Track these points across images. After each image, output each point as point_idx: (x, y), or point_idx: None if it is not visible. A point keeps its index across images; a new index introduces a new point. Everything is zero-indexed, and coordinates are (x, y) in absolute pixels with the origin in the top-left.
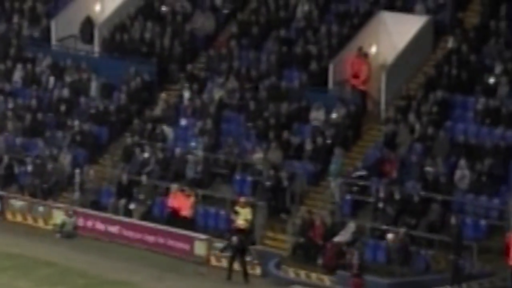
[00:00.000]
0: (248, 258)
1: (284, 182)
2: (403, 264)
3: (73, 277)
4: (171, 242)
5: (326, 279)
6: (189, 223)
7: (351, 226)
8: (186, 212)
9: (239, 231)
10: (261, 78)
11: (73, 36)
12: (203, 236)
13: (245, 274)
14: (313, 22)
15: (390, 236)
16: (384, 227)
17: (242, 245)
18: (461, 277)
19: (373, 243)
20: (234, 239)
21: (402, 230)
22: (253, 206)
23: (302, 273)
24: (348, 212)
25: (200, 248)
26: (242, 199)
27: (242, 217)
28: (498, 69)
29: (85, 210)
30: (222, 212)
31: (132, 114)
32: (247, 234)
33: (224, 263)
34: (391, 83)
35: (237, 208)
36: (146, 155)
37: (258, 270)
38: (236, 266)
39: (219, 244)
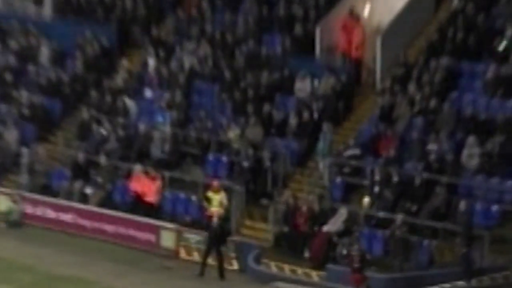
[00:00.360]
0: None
1: (265, 163)
2: (403, 257)
3: (19, 273)
4: (133, 232)
5: (314, 275)
6: (154, 211)
7: (343, 213)
8: (151, 197)
9: (212, 220)
10: (238, 44)
11: None
12: (171, 226)
13: (221, 269)
14: None
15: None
16: (381, 214)
17: (221, 231)
18: (471, 272)
19: (368, 232)
20: (215, 220)
21: (401, 217)
22: (228, 191)
23: (286, 268)
24: (339, 196)
25: (167, 239)
26: (216, 183)
27: (216, 203)
28: (510, 31)
29: (34, 195)
30: (193, 198)
31: (89, 85)
32: (222, 223)
33: (196, 256)
34: (388, 49)
35: (210, 194)
36: (105, 131)
37: (235, 265)
38: (211, 260)
39: (189, 235)
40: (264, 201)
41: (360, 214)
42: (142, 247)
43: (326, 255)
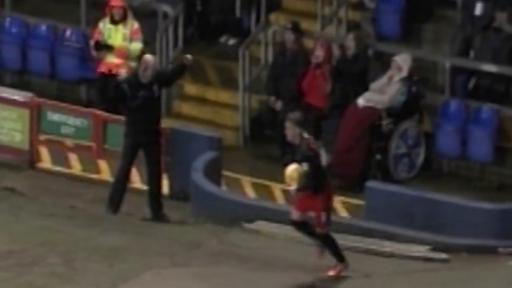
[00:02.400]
0: None
1: None
2: None
3: None
4: None
5: (339, 204)
6: None
7: (401, 64)
8: None
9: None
10: None
11: None
12: (19, 97)
13: (154, 191)
14: None
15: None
16: (491, 68)
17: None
18: None
19: (459, 110)
20: (123, 82)
21: None
22: (148, 17)
23: (276, 189)
24: (394, 29)
25: (12, 128)
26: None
27: (119, 46)
28: None
29: None
30: (68, 33)
31: None
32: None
33: (77, 165)
34: None
35: (106, 24)
36: None
37: (164, 186)
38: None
39: (58, 116)
40: (229, 40)
41: (445, 66)
42: None
43: (366, 160)
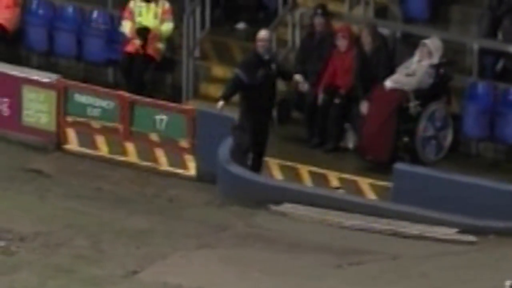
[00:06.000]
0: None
1: None
2: None
3: None
4: None
5: (367, 186)
6: (11, 44)
7: (431, 47)
8: (4, 16)
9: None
10: None
11: None
12: (45, 79)
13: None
14: None
15: None
16: None
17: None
18: None
19: (487, 91)
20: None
21: None
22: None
23: (303, 171)
24: (419, 8)
25: (36, 110)
26: None
27: (150, 25)
28: None
29: None
30: (94, 15)
31: None
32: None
33: (103, 146)
34: None
35: (135, 2)
36: None
37: (191, 168)
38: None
39: (87, 98)
40: (242, 26)
41: (473, 48)
42: None
43: (394, 142)
